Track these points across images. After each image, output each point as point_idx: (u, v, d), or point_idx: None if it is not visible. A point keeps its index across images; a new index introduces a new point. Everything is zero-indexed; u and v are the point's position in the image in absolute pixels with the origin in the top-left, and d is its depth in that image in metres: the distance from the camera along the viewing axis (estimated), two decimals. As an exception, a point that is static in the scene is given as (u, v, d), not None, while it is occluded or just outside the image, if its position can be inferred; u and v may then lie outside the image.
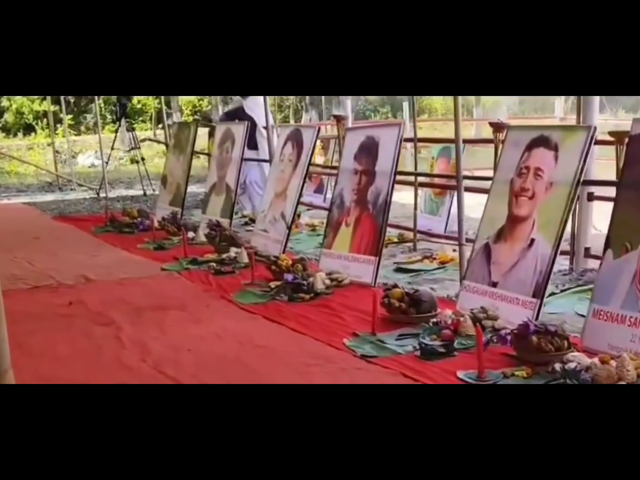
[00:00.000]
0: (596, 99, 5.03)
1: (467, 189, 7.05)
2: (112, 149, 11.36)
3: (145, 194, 10.86)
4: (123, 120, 11.13)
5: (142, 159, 11.07)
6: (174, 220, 7.41)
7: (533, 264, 3.87)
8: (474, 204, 6.12)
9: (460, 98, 4.61)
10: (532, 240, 3.93)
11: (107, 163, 11.01)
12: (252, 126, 7.47)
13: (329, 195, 8.83)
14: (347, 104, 7.28)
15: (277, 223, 6.21)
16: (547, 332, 3.34)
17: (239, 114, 7.73)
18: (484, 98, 20.75)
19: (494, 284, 4.10)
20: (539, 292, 3.78)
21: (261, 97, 7.92)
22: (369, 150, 5.35)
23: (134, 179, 14.40)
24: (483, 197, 4.69)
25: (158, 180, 14.06)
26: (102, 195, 10.93)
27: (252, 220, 7.90)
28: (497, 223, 4.21)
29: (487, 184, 4.85)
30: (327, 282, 5.13)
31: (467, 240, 4.79)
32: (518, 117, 17.32)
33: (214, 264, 5.90)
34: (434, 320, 3.98)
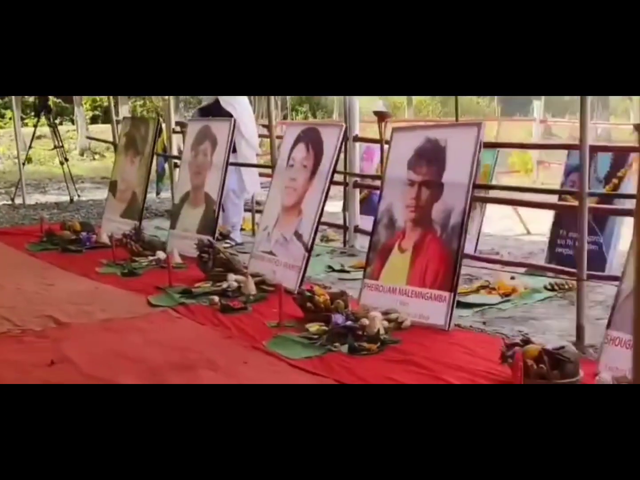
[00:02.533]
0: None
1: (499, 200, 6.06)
2: (30, 147, 9.76)
3: (72, 201, 9.34)
4: (50, 116, 9.51)
5: (66, 159, 9.52)
6: (138, 237, 6.06)
7: None
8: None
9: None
10: None
11: (24, 164, 9.39)
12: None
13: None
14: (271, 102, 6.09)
15: (289, 244, 5.00)
16: None
17: (214, 110, 6.44)
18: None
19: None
20: None
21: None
22: (431, 157, 4.24)
23: (47, 181, 12.79)
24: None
25: (83, 184, 12.76)
26: (19, 202, 9.34)
27: (225, 236, 6.65)
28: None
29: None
30: (385, 323, 4.02)
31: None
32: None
33: (216, 298, 4.65)
34: None
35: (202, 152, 6.08)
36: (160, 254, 5.90)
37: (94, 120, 23.49)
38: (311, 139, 5.07)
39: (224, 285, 4.91)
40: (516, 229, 7.65)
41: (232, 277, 5.01)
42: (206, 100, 6.69)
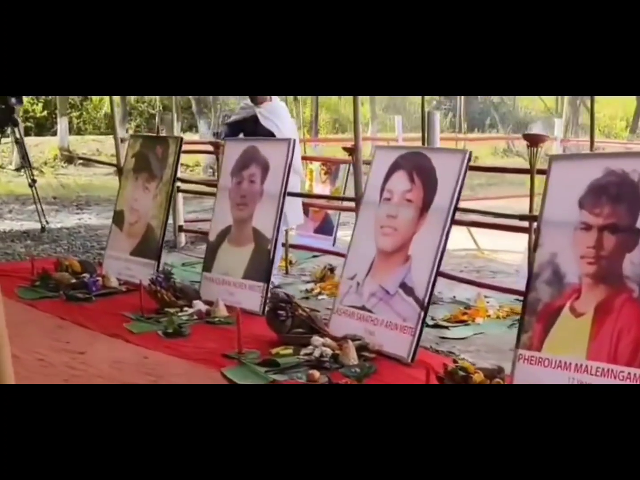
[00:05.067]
0: None
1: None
2: (18, 169, 8.42)
3: (43, 229, 8.02)
4: (16, 130, 8.15)
5: (34, 180, 8.21)
6: (169, 283, 4.91)
7: None
8: None
9: None
10: None
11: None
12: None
13: (340, 236, 6.66)
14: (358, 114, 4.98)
15: (393, 299, 3.97)
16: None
17: (248, 126, 5.36)
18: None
19: None
20: None
21: (280, 103, 5.60)
22: (617, 194, 3.28)
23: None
24: None
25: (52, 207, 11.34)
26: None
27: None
28: None
29: None
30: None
31: None
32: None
33: (316, 373, 3.59)
34: None
35: (247, 179, 4.98)
36: (200, 305, 4.79)
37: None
38: (417, 167, 4.05)
39: (314, 352, 3.85)
40: (466, 244, 6.97)
41: (318, 340, 3.95)
42: (238, 114, 5.57)
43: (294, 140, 4.79)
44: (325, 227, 6.70)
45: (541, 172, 3.96)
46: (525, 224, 4.39)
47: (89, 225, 8.84)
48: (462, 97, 26.68)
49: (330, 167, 6.78)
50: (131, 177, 5.84)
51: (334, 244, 6.62)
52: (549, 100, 22.00)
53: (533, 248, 3.59)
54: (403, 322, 3.87)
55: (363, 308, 4.11)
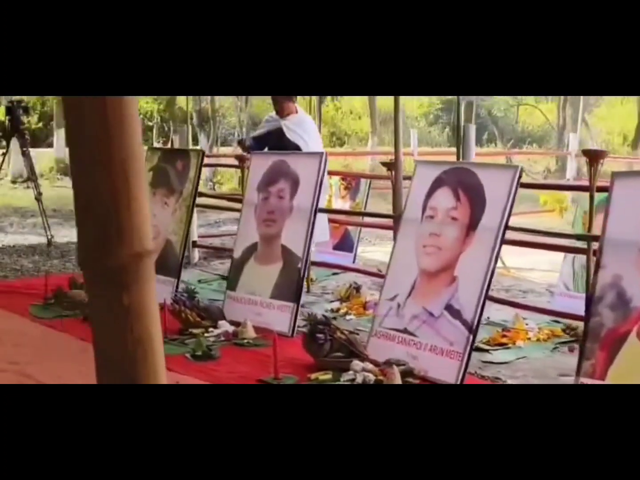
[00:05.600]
0: None
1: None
2: (14, 181, 8.19)
3: (50, 243, 7.79)
4: (22, 142, 7.92)
5: (40, 193, 7.98)
6: (193, 303, 4.70)
7: None
8: None
9: None
10: None
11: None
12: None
13: (360, 252, 6.46)
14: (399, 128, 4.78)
15: (438, 322, 3.77)
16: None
17: (272, 139, 5.16)
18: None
19: None
20: None
21: (306, 116, 5.42)
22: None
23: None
24: None
25: (36, 218, 11.08)
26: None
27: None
28: None
29: None
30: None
31: None
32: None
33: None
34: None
35: (275, 194, 4.78)
36: (226, 325, 4.58)
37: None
38: (463, 183, 3.86)
39: (356, 377, 3.65)
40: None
41: (358, 364, 3.76)
42: (262, 127, 5.38)
43: (325, 154, 4.60)
44: (345, 244, 6.50)
45: (602, 189, 3.78)
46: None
47: (95, 239, 8.59)
48: (462, 111, 26.67)
49: (351, 181, 6.59)
50: (149, 191, 5.63)
51: (354, 261, 6.42)
52: (550, 114, 21.90)
53: (594, 270, 3.40)
54: (450, 346, 3.68)
55: (405, 331, 3.91)
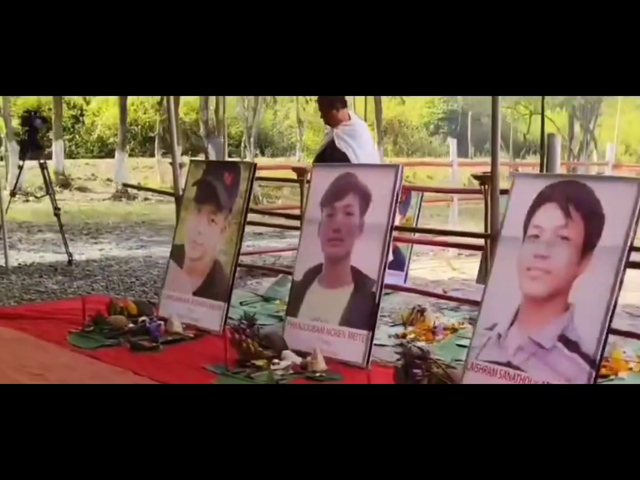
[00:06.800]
0: None
1: None
2: (13, 194, 7.74)
3: (70, 262, 7.33)
4: (39, 154, 7.46)
5: (58, 208, 7.53)
6: (254, 331, 4.26)
7: None
8: None
9: None
10: None
11: (6, 210, 7.36)
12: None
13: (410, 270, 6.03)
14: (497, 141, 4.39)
15: (550, 355, 3.34)
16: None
17: (326, 152, 4.76)
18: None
19: None
20: None
21: (360, 122, 5.01)
22: None
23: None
24: None
25: (45, 233, 10.63)
26: None
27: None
28: None
29: None
30: None
31: None
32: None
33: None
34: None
35: (343, 211, 4.35)
36: (291, 356, 4.15)
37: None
38: (574, 199, 3.44)
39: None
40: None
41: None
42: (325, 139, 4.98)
43: (402, 167, 4.18)
44: (396, 262, 6.06)
45: None
46: None
47: (116, 257, 8.14)
48: (468, 121, 26.34)
49: (401, 195, 6.16)
50: (193, 207, 5.19)
51: (405, 281, 5.99)
52: (560, 121, 21.62)
53: None
54: (567, 382, 3.25)
55: (508, 364, 3.48)
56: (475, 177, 4.27)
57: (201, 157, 16.73)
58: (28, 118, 7.30)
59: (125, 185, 12.67)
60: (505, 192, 3.68)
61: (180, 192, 5.43)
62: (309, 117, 24.40)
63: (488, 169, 4.28)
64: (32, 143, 7.39)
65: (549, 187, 3.56)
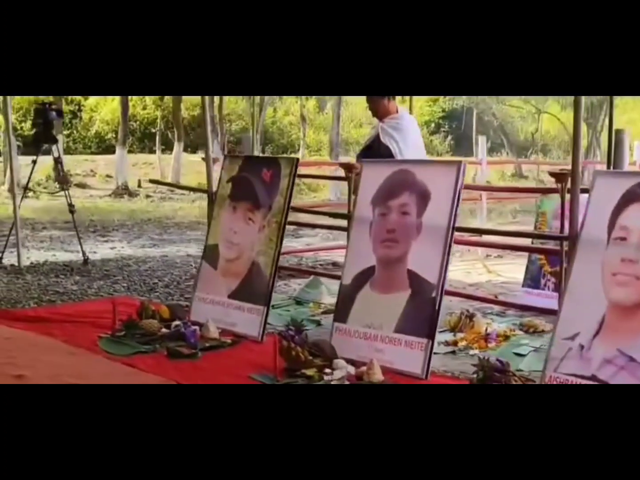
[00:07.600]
0: None
1: None
2: (27, 188, 7.43)
3: (86, 262, 7.02)
4: (53, 147, 7.14)
5: (72, 205, 7.22)
6: (302, 339, 3.98)
7: None
8: None
9: None
10: None
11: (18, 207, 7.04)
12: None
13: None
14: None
15: (642, 369, 3.08)
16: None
17: (373, 147, 4.49)
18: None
19: None
20: None
21: (407, 115, 4.74)
22: None
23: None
24: None
25: (50, 230, 10.31)
26: (10, 262, 6.95)
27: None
28: None
29: None
30: None
31: None
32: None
33: None
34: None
35: (397, 210, 4.07)
36: (345, 365, 3.86)
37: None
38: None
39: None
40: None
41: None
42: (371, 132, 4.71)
43: (464, 164, 3.90)
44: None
45: None
46: None
47: (131, 256, 7.84)
48: (473, 119, 26.10)
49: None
50: (227, 205, 4.89)
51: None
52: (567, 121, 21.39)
53: None
54: (666, 400, 2.98)
55: (593, 378, 3.21)
56: (552, 174, 4.00)
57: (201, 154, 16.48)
58: (43, 111, 6.96)
59: (154, 181, 12.26)
60: (551, 191, 3.43)
61: (214, 189, 5.12)
62: (309, 114, 24.16)
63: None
64: (47, 137, 7.06)
65: (637, 186, 3.29)
